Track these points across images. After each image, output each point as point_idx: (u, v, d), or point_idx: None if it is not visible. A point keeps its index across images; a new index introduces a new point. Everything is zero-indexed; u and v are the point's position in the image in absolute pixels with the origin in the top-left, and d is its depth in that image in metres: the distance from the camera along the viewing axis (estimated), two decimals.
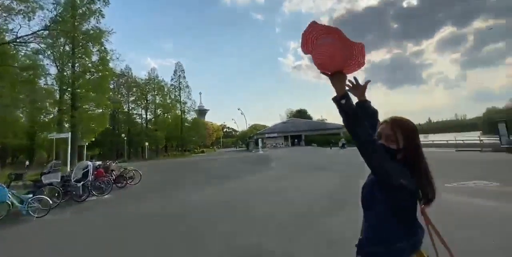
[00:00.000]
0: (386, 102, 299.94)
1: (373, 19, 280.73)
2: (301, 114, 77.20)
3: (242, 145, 78.92)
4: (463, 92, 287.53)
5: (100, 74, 17.95)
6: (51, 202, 5.89)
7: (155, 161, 34.47)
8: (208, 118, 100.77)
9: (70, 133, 13.12)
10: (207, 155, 42.41)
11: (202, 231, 4.26)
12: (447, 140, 28.50)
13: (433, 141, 29.56)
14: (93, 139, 22.65)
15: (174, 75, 53.66)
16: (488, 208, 4.50)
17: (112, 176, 9.90)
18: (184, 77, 53.66)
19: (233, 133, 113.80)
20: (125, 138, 40.03)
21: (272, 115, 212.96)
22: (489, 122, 64.15)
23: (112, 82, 44.68)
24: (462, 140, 26.36)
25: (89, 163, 7.83)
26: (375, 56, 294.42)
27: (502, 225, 3.61)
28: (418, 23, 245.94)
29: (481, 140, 18.98)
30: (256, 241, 3.60)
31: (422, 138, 34.40)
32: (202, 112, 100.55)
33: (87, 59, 17.18)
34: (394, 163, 1.11)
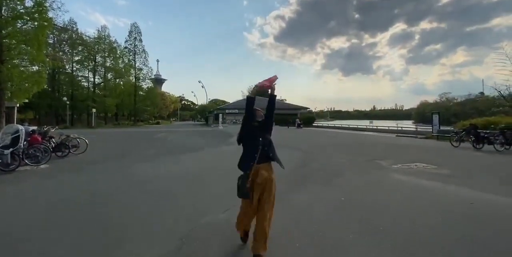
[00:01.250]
0: (340, 87, 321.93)
1: (338, 6, 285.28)
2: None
3: (201, 119, 77.12)
4: (404, 85, 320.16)
5: (35, 23, 14.94)
6: None
7: (103, 129, 31.71)
8: (165, 88, 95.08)
9: None
10: (162, 127, 40.45)
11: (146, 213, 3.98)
12: (388, 126, 31.68)
13: (377, 126, 32.44)
14: (26, 101, 19.55)
15: (129, 37, 48.17)
16: (428, 185, 5.04)
17: (50, 143, 8.74)
18: (141, 40, 48.62)
19: (192, 106, 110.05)
20: (68, 102, 35.59)
21: (233, 92, 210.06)
22: (420, 113, 72.72)
23: (51, 36, 38.47)
24: (401, 127, 29.56)
25: (20, 127, 6.66)
26: (335, 43, 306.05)
27: (440, 200, 4.07)
28: (376, 16, 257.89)
29: (417, 128, 21.29)
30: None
31: (368, 123, 37.66)
32: (159, 81, 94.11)
33: (18, 2, 14.01)
34: None
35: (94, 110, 38.28)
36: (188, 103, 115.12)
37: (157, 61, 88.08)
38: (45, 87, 41.88)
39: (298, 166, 7.06)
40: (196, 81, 70.52)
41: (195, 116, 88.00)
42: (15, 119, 21.18)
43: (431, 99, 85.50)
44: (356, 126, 34.47)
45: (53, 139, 9.00)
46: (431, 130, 17.50)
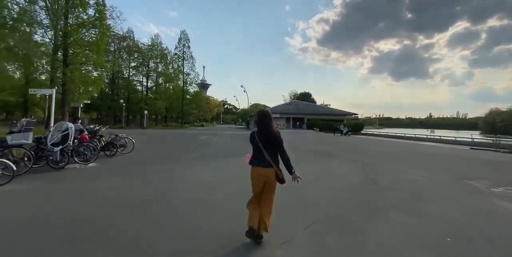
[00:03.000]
0: (389, 93, 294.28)
1: (388, 6, 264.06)
2: (305, 97, 75.39)
3: (242, 123, 77.90)
4: (467, 91, 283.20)
5: (96, 30, 16.14)
6: (14, 167, 4.80)
7: (153, 130, 33.51)
8: (210, 93, 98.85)
9: (53, 89, 11.75)
10: (206, 129, 41.44)
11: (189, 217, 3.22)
12: (455, 137, 27.53)
13: (440, 136, 28.44)
14: (90, 102, 21.37)
15: (178, 43, 50.88)
16: None
17: (100, 142, 8.84)
18: (189, 47, 50.90)
19: (234, 110, 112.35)
20: (124, 104, 38.61)
21: (274, 96, 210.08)
22: (490, 123, 63.56)
23: (112, 44, 42.43)
24: (472, 139, 25.35)
25: (70, 124, 6.64)
26: (384, 46, 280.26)
27: None
28: (433, 15, 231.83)
29: (498, 140, 17.86)
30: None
31: (428, 132, 33.32)
32: (204, 86, 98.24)
33: (81, 10, 15.27)
34: None
35: (146, 112, 40.92)
36: (231, 107, 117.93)
37: (203, 67, 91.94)
38: (106, 90, 47.03)
39: (362, 182, 5.80)
40: (239, 86, 71.83)
41: (236, 120, 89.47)
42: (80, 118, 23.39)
43: (502, 106, 73.58)
44: (413, 135, 30.78)
45: (103, 138, 9.11)
46: None
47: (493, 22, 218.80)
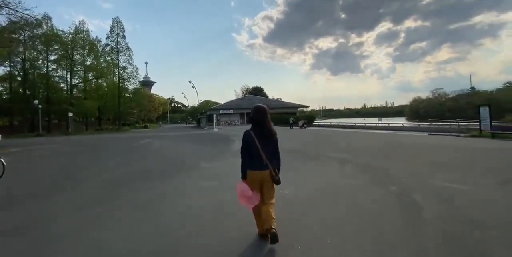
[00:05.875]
0: (329, 87, 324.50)
1: (325, 6, 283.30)
2: (257, 91, 74.22)
3: (192, 121, 72.99)
4: (391, 83, 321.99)
5: None
6: None
7: (78, 136, 27.67)
8: (155, 91, 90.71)
9: None
10: (149, 131, 36.53)
11: None
12: (402, 124, 28.83)
13: (388, 124, 29.50)
14: None
15: (110, 33, 43.82)
16: None
17: None
18: (124, 37, 44.33)
19: (183, 108, 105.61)
20: (40, 106, 31.23)
21: (225, 93, 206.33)
22: (414, 110, 71.56)
23: (21, 31, 33.91)
24: (418, 124, 26.66)
25: None
26: (322, 43, 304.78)
27: None
28: (362, 16, 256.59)
29: (458, 124, 18.29)
30: None
31: (376, 121, 34.68)
32: (148, 83, 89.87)
33: None
34: None
35: (71, 114, 34.03)
36: (179, 105, 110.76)
37: (146, 63, 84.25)
38: (18, 90, 37.74)
39: (392, 206, 3.62)
40: (187, 83, 66.81)
41: (185, 119, 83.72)
42: None
43: (418, 95, 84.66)
44: (364, 125, 31.43)
45: None
46: (477, 126, 14.48)
47: (409, 23, 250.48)
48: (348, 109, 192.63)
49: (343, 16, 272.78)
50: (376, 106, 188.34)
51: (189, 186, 5.09)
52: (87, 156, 10.82)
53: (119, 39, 43.68)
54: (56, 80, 40.60)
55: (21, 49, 35.73)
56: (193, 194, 4.55)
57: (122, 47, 43.97)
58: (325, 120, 78.18)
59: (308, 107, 57.46)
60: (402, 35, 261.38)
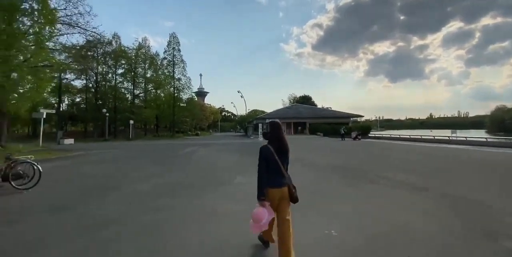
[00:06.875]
0: (387, 95, 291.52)
1: (380, 9, 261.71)
2: (305, 100, 71.69)
3: (241, 130, 74.23)
4: (465, 90, 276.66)
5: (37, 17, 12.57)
6: None
7: (138, 142, 29.80)
8: (208, 101, 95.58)
9: None
10: (199, 139, 37.74)
11: None
12: (485, 138, 23.95)
13: (466, 138, 24.72)
14: (52, 112, 17.79)
15: (167, 47, 47.56)
16: None
17: None
18: (179, 50, 47.59)
19: (232, 117, 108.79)
20: (107, 114, 34.91)
21: (273, 102, 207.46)
22: (496, 121, 60.68)
23: (94, 48, 39.01)
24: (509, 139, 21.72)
25: None
26: (378, 48, 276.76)
27: None
28: (425, 16, 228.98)
29: None
30: None
31: (449, 133, 29.56)
32: (201, 94, 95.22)
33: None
34: None
35: (132, 121, 37.32)
36: (229, 114, 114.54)
37: (200, 75, 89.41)
38: (92, 100, 43.34)
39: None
40: (236, 93, 68.46)
41: (234, 127, 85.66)
42: (41, 132, 19.65)
43: (501, 103, 70.56)
44: (432, 138, 27.03)
45: None
46: None
47: (486, 20, 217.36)
48: (411, 119, 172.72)
49: (402, 18, 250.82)
50: (445, 116, 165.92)
51: (214, 209, 4.13)
52: (132, 163, 10.90)
53: (175, 53, 47.08)
54: (121, 91, 45.44)
55: (95, 64, 41.13)
56: (214, 221, 3.56)
57: (177, 60, 47.21)
58: (383, 131, 71.22)
59: (363, 116, 53.23)
60: (477, 34, 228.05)
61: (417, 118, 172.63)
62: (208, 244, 2.86)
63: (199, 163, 10.62)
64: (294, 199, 2.45)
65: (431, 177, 6.67)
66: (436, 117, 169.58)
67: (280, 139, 2.50)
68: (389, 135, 36.12)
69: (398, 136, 33.39)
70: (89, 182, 6.62)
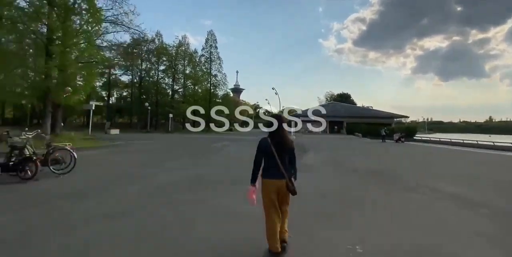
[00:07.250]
0: (437, 94, 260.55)
1: (433, 1, 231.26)
2: (344, 98, 68.29)
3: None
4: None
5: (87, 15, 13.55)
6: None
7: (174, 134, 31.25)
8: (244, 97, 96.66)
9: None
10: (232, 134, 38.27)
11: None
12: None
13: None
14: (100, 104, 19.41)
15: (205, 44, 48.80)
16: None
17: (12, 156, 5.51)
18: (216, 48, 48.56)
19: (266, 114, 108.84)
20: (149, 107, 37.13)
21: (308, 100, 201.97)
22: None
23: (140, 47, 41.68)
24: None
25: None
26: (429, 43, 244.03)
27: None
28: (487, 7, 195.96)
29: None
30: None
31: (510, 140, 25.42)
32: (237, 90, 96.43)
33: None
34: None
35: (171, 115, 39.23)
36: (263, 111, 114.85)
37: (237, 72, 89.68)
38: (137, 94, 46.67)
39: None
40: (271, 90, 68.09)
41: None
42: (90, 123, 21.47)
43: None
44: (491, 144, 23.58)
45: (26, 149, 5.75)
46: None
47: None
48: (465, 122, 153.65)
49: (458, 9, 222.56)
50: (508, 119, 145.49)
51: (228, 209, 3.81)
52: (162, 155, 11.22)
53: (212, 50, 48.19)
54: (163, 86, 48.00)
55: (139, 61, 43.99)
56: (220, 223, 3.22)
57: (214, 57, 48.28)
58: (431, 134, 64.90)
59: (408, 117, 49.21)
60: None
61: (473, 121, 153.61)
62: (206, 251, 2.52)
63: (224, 158, 10.58)
64: (291, 191, 2.48)
65: (484, 190, 5.58)
66: (496, 120, 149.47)
67: (280, 132, 2.55)
68: (438, 139, 32.56)
69: (448, 140, 29.92)
70: (112, 173, 6.79)
